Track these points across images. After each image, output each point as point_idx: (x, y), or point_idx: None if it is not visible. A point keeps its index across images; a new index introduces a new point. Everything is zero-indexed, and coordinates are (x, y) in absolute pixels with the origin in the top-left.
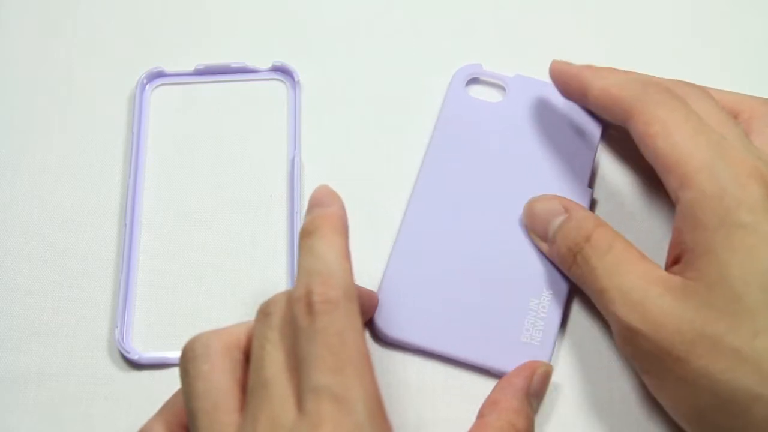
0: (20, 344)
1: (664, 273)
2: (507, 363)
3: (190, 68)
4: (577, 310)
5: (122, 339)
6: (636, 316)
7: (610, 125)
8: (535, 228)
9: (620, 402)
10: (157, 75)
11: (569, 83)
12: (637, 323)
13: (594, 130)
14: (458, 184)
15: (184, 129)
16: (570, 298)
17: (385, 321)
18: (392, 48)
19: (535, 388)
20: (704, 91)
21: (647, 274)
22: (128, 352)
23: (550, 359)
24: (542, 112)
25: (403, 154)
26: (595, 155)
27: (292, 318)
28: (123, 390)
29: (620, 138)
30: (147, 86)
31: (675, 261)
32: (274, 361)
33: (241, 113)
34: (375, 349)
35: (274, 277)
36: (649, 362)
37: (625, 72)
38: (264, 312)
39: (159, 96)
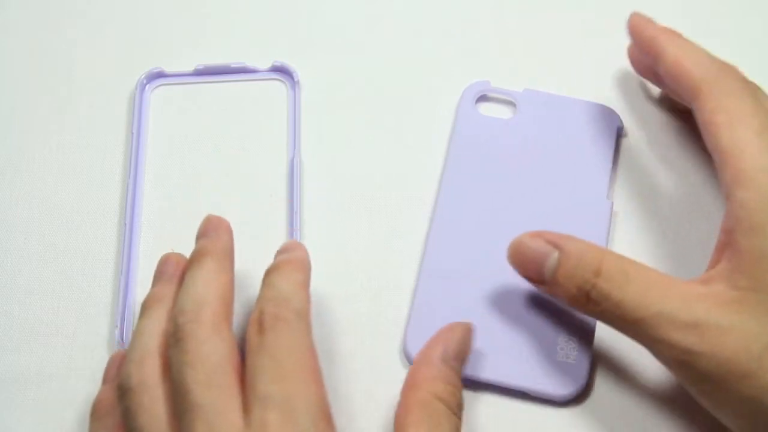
0: (20, 344)
1: (702, 287)
2: (546, 383)
3: (190, 68)
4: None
5: (122, 339)
6: (693, 339)
7: (623, 134)
8: (527, 272)
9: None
10: (157, 75)
11: (644, 44)
12: (695, 346)
13: (609, 140)
14: (479, 206)
15: (184, 129)
16: None
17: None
18: (391, 47)
19: (453, 351)
20: None
21: (686, 293)
22: None
23: (588, 375)
24: (555, 125)
25: (403, 155)
26: (611, 166)
27: (248, 338)
28: None
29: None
30: (147, 86)
31: (718, 262)
32: (197, 383)
33: (241, 113)
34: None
35: None
36: (709, 384)
37: (703, 49)
38: (175, 337)
39: (159, 96)
